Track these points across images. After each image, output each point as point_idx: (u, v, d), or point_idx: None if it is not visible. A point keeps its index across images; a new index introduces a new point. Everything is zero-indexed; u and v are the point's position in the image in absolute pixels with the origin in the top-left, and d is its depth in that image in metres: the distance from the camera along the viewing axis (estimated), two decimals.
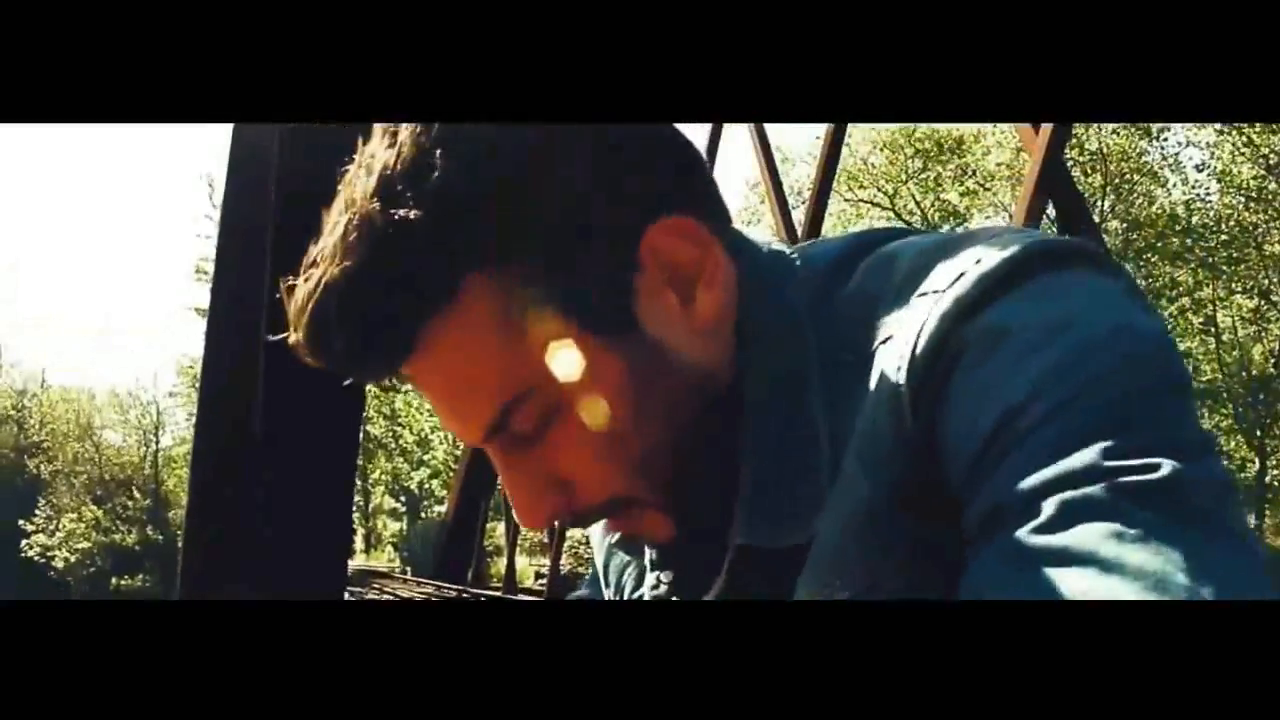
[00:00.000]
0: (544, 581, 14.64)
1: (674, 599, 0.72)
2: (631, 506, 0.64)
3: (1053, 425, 0.49)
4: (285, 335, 0.59)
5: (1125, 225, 18.75)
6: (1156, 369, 0.51)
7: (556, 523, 0.65)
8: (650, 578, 0.74)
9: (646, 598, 0.76)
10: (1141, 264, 18.19)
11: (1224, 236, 18.26)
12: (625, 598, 0.80)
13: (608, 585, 0.84)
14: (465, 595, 13.72)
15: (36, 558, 34.60)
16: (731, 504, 0.63)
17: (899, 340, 0.56)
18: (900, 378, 0.55)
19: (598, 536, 0.82)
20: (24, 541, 34.69)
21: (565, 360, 0.59)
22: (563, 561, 13.49)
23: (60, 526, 34.98)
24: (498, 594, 14.33)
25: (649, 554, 0.74)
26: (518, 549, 16.77)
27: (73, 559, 34.43)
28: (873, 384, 0.58)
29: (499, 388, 0.59)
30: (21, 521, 35.03)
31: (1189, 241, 18.29)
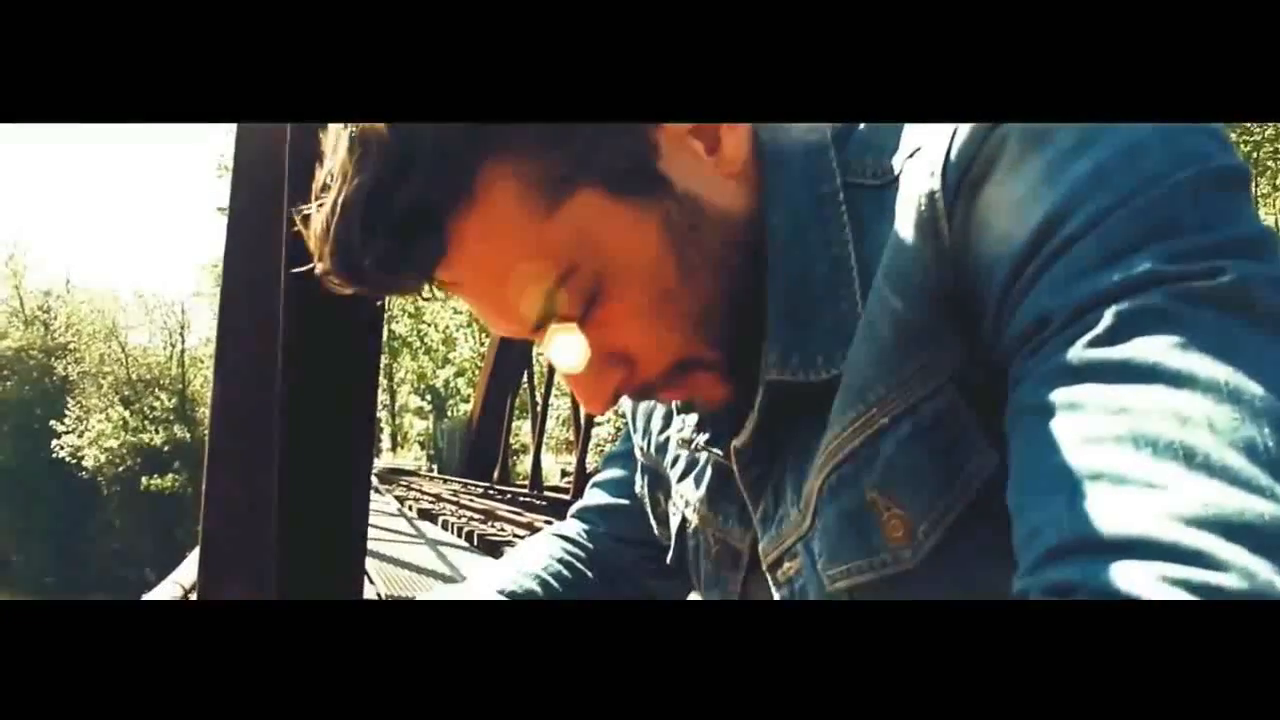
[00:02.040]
0: (569, 479, 14.76)
1: (694, 442, 0.73)
2: (691, 370, 0.62)
3: (1101, 230, 0.46)
4: (310, 268, 0.59)
5: None
6: (1208, 164, 0.47)
7: (621, 401, 0.62)
8: (677, 421, 0.75)
9: (674, 441, 0.78)
10: None
11: (1270, 131, 17.86)
12: (653, 441, 0.82)
13: (636, 430, 0.86)
14: (491, 492, 13.93)
15: (68, 458, 35.41)
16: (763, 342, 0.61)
17: (929, 150, 0.54)
18: (933, 184, 0.52)
19: None
20: (55, 442, 35.47)
21: (599, 228, 0.57)
22: (588, 460, 13.59)
23: (89, 427, 35.68)
24: (523, 490, 14.53)
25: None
26: (543, 447, 16.92)
27: (102, 458, 35.18)
28: (903, 200, 0.55)
29: (538, 273, 0.57)
30: (52, 422, 35.80)
31: (1233, 134, 17.92)
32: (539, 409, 15.64)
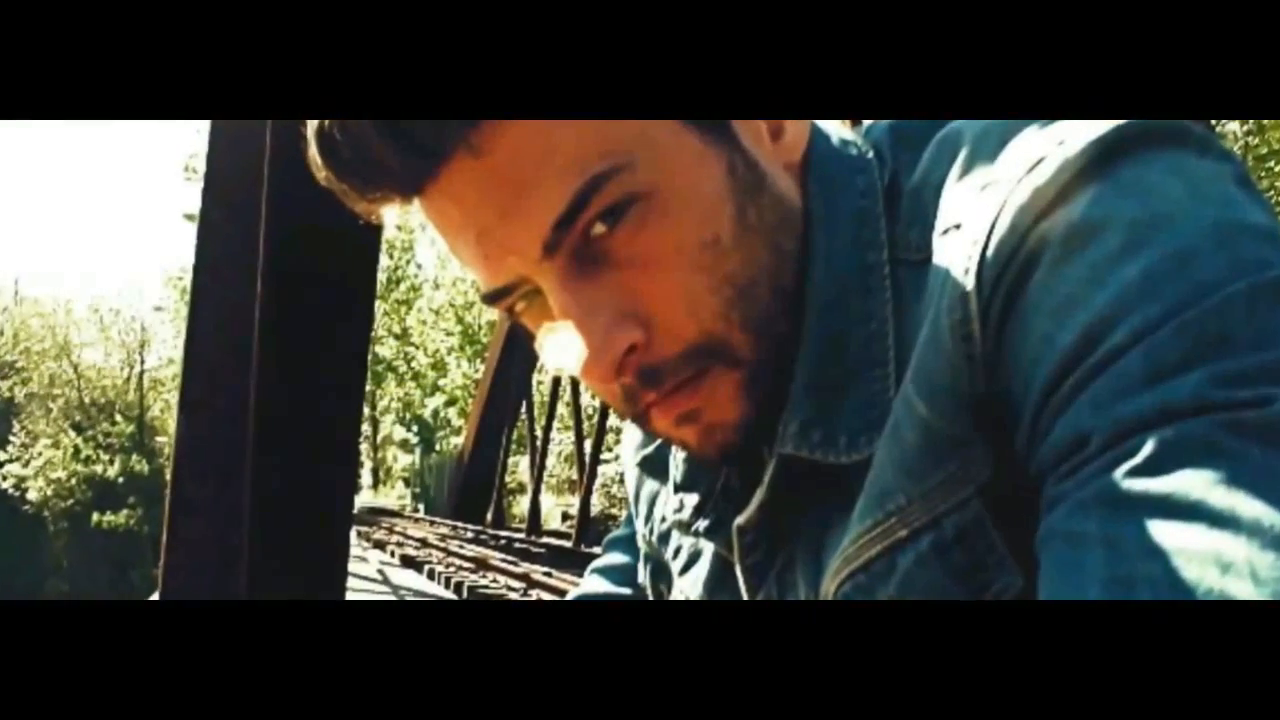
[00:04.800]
0: (571, 523, 14.68)
1: (693, 526, 0.72)
2: (712, 363, 0.59)
3: (1148, 344, 0.46)
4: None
5: (1245, 129, 18.41)
6: (1266, 274, 0.47)
7: (627, 377, 0.59)
8: (674, 500, 0.74)
9: (668, 521, 0.77)
10: (1263, 174, 17.88)
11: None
12: (656, 530, 0.81)
13: (638, 515, 0.84)
14: (483, 536, 13.78)
15: (11, 489, 35.34)
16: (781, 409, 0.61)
17: (966, 235, 0.54)
18: (968, 282, 0.52)
19: (629, 452, 0.83)
20: None
21: (666, 141, 0.56)
22: (593, 500, 13.49)
23: (36, 455, 35.65)
24: (520, 534, 14.39)
25: (673, 475, 0.74)
26: (543, 487, 16.85)
27: (49, 490, 35.12)
28: (937, 285, 0.55)
29: (584, 156, 0.54)
30: None
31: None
32: (539, 443, 15.43)
